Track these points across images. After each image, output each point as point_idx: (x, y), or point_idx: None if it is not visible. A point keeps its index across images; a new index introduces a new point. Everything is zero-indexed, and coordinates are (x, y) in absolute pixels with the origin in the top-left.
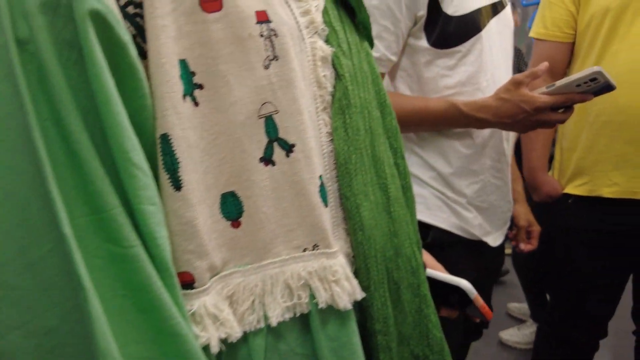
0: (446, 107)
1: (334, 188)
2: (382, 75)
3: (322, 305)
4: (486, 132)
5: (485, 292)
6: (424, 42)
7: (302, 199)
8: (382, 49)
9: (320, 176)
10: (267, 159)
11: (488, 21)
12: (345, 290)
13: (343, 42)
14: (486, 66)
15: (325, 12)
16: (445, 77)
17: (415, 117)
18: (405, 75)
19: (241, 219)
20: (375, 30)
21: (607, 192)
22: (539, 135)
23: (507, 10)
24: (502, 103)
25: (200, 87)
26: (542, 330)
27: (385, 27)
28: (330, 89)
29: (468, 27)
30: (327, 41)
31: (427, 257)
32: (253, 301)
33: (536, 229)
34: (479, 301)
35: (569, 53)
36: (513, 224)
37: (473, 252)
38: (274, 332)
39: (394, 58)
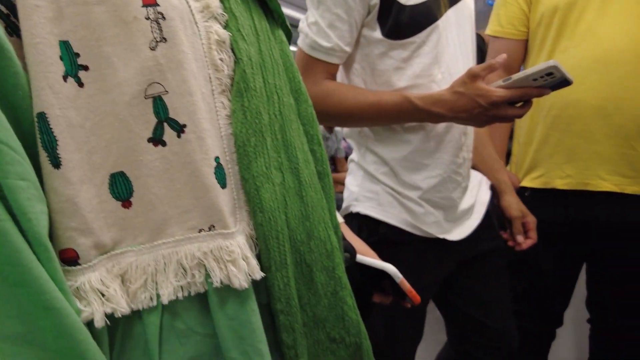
0: (400, 101)
1: (235, 170)
2: (336, 66)
3: (216, 284)
4: (442, 125)
5: (490, 278)
6: (377, 33)
7: (196, 179)
8: (335, 38)
9: (217, 157)
10: (156, 140)
11: (445, 11)
12: (242, 270)
13: (244, 27)
14: (442, 58)
15: None
16: (399, 70)
17: (369, 111)
18: (359, 67)
19: (132, 199)
20: (327, 18)
21: (560, 183)
22: (496, 130)
23: (468, 1)
24: (458, 97)
25: (85, 68)
26: None
27: (337, 15)
28: (228, 72)
29: (423, 17)
30: (226, 26)
31: (359, 244)
32: (146, 280)
33: (531, 219)
34: (405, 285)
35: (523, 50)
36: (503, 222)
37: (435, 249)
38: (170, 311)
39: (347, 49)
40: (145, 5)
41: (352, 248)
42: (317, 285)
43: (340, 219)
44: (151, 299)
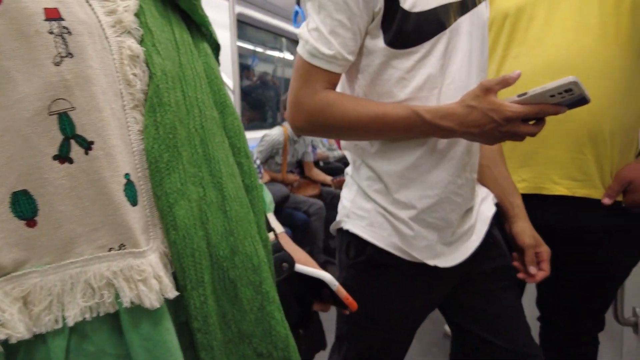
0: (407, 114)
1: (148, 187)
2: (338, 76)
3: (126, 304)
4: (444, 142)
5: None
6: (380, 42)
7: (104, 197)
8: (337, 46)
9: (127, 174)
10: (62, 157)
11: (456, 19)
12: (153, 289)
13: (161, 42)
14: (448, 69)
15: (141, 13)
16: (402, 81)
17: (373, 124)
18: (361, 77)
19: (37, 218)
20: (329, 25)
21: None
22: None
23: (481, 8)
24: (470, 111)
25: None
26: None
27: (340, 22)
28: (141, 86)
29: (429, 25)
30: (142, 41)
31: (299, 253)
32: (51, 301)
33: (545, 249)
34: (342, 292)
35: None
36: (511, 248)
37: (424, 275)
38: (78, 333)
39: (350, 57)
40: (48, 19)
41: (290, 258)
42: (242, 301)
43: (279, 228)
44: (56, 321)
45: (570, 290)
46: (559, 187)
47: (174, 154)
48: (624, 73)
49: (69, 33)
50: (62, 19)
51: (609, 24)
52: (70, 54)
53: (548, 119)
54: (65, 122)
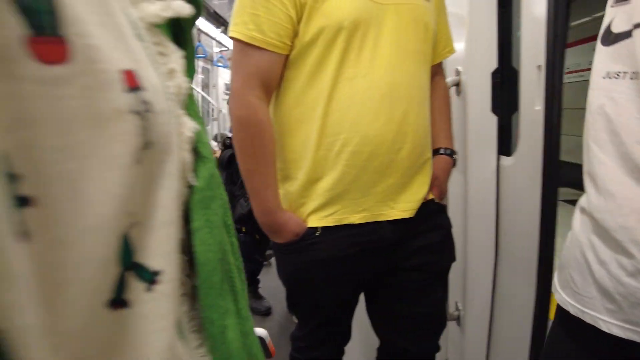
0: None
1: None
2: None
3: None
4: None
5: None
6: None
7: None
8: None
9: None
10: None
11: None
12: None
13: (195, 110)
14: None
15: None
16: None
17: None
18: None
19: None
20: None
21: (356, 218)
22: (270, 169)
23: None
24: None
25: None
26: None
27: None
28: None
29: None
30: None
31: None
32: None
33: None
34: (270, 345)
35: (283, 67)
36: None
37: None
38: None
39: None
40: (129, 88)
41: None
42: None
43: None
44: None
45: (397, 309)
46: (395, 212)
47: (224, 263)
48: (429, 99)
49: (150, 111)
50: (142, 89)
51: (421, 52)
52: (149, 144)
53: (385, 151)
54: (125, 246)
